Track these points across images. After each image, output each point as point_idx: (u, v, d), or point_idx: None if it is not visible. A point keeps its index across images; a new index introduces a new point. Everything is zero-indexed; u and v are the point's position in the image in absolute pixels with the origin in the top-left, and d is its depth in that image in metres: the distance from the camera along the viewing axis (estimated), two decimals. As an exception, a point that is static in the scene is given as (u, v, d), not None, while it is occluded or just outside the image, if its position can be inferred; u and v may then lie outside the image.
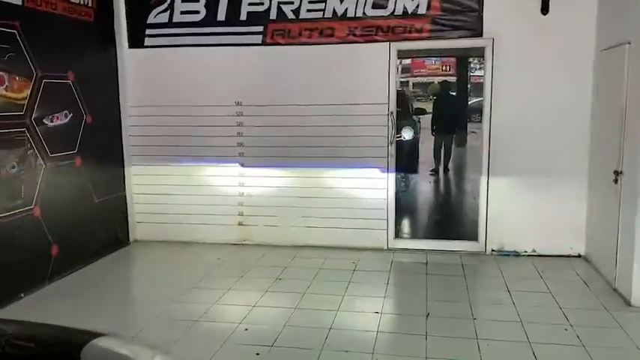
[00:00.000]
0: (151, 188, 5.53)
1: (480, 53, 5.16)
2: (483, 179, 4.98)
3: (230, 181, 5.38)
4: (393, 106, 5.02)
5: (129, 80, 5.40)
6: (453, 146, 9.40)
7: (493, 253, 4.98)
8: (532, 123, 4.80)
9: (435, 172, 9.14)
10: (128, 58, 5.38)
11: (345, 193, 5.18)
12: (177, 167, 5.45)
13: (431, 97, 11.56)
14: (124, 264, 5.06)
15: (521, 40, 4.75)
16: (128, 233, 5.48)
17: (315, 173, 5.21)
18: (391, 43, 4.95)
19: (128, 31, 5.35)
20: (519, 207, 4.89)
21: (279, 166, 5.28)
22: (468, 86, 15.80)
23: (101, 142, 5.06)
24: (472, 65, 16.42)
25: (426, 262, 4.78)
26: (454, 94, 11.58)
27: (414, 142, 7.66)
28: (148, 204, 5.55)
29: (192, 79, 5.34)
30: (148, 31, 5.33)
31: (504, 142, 4.85)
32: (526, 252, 4.94)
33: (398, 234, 5.25)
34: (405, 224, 6.08)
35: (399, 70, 4.91)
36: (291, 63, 5.13)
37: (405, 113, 7.07)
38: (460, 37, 4.87)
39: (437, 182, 8.89)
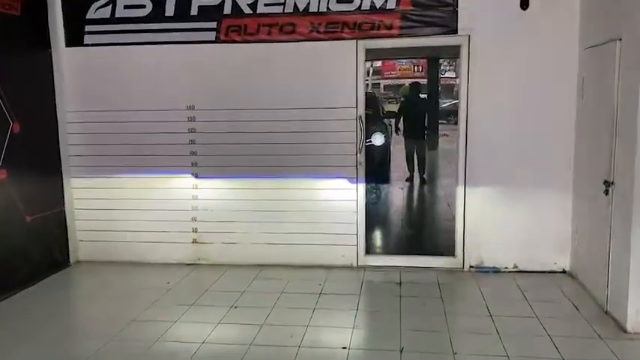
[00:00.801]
0: (94, 202, 4.94)
1: (454, 52, 4.77)
2: (459, 189, 4.56)
3: (182, 193, 4.83)
4: (361, 110, 4.56)
5: (67, 82, 4.81)
6: (426, 152, 8.80)
7: (472, 269, 4.56)
8: (512, 128, 4.40)
9: (409, 180, 8.57)
10: (65, 57, 4.79)
11: (310, 205, 4.69)
12: (123, 179, 4.88)
13: (402, 99, 11.13)
14: (58, 291, 4.42)
15: (500, 38, 4.34)
16: (68, 254, 4.88)
17: (278, 184, 4.70)
18: (358, 41, 4.48)
19: (65, 27, 4.75)
20: (499, 219, 4.48)
21: (237, 176, 4.75)
22: (439, 88, 15.54)
23: (33, 153, 4.47)
24: (442, 67, 16.14)
25: (400, 282, 4.32)
26: (425, 96, 11.19)
27: (386, 148, 7.22)
28: (91, 220, 4.95)
29: (138, 81, 4.77)
30: (88, 28, 4.74)
31: (482, 148, 4.44)
32: (507, 268, 4.53)
33: (369, 250, 4.78)
34: (377, 239, 5.64)
35: (370, 72, 4.47)
36: (249, 63, 4.62)
37: (375, 117, 6.63)
38: (433, 34, 4.43)
39: (410, 192, 8.34)
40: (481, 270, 4.55)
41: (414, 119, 8.67)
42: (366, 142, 4.63)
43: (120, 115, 4.81)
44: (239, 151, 4.70)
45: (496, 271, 4.53)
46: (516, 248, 4.52)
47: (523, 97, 4.38)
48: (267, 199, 4.76)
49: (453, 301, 4.09)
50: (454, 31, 4.40)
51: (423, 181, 8.53)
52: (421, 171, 8.61)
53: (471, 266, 4.57)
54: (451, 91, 20.50)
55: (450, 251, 4.67)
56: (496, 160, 4.45)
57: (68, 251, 4.88)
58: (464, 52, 4.42)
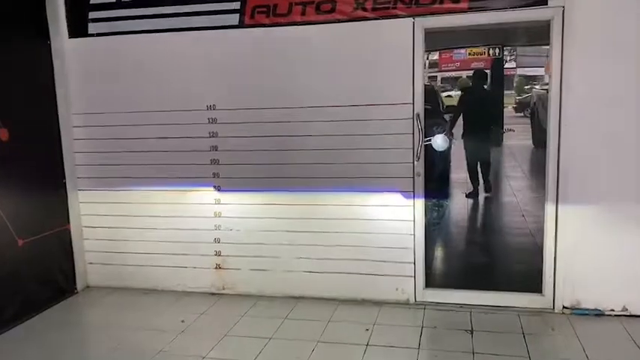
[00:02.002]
0: (104, 219, 4.22)
1: (539, 33, 3.77)
2: (549, 208, 3.52)
3: (203, 210, 4.04)
4: (420, 106, 3.61)
5: (71, 80, 4.11)
6: (490, 156, 7.14)
7: (566, 311, 3.52)
8: (622, 130, 3.34)
9: (473, 195, 6.81)
10: (68, 51, 4.09)
11: (356, 226, 3.78)
12: (137, 192, 4.12)
13: (461, 93, 9.75)
14: (56, 328, 3.66)
15: (606, 10, 3.30)
16: (75, 279, 4.23)
17: (315, 199, 3.82)
18: (416, 19, 3.53)
19: (67, 15, 4.08)
20: (603, 247, 3.42)
21: (267, 189, 3.90)
22: (504, 78, 14.26)
23: (27, 164, 3.79)
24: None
25: (472, 329, 3.34)
26: (487, 88, 9.76)
27: (446, 154, 6.04)
28: (102, 240, 4.25)
29: (150, 76, 4.00)
30: (92, 15, 4.02)
31: (580, 156, 3.40)
32: (613, 310, 3.46)
33: (430, 282, 3.81)
34: (439, 268, 4.55)
35: (425, 65, 3.50)
36: (279, 51, 3.76)
37: (435, 114, 5.45)
38: (513, 6, 3.47)
39: (476, 205, 6.87)
40: (578, 312, 3.51)
41: (477, 117, 6.82)
42: (425, 141, 3.68)
43: (132, 118, 4.09)
44: (269, 159, 3.86)
45: (599, 314, 3.47)
46: (626, 285, 3.44)
47: (638, 91, 3.35)
48: (303, 217, 3.90)
49: (545, 358, 3.12)
50: (542, 2, 3.42)
51: (488, 189, 6.91)
52: (486, 181, 6.92)
53: (564, 307, 3.54)
54: (511, 82, 19.30)
55: (535, 286, 3.63)
56: (598, 171, 3.39)
57: (74, 276, 4.22)
58: (556, 29, 3.37)
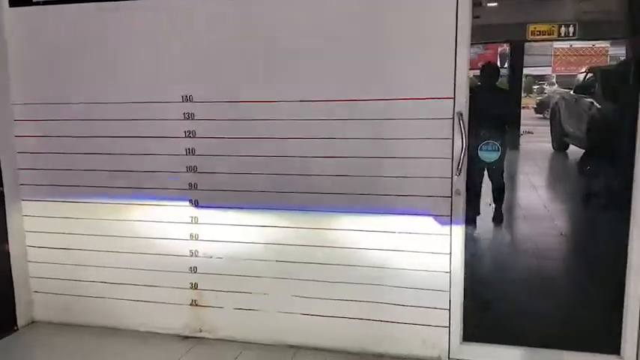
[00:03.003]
0: (55, 239, 3.33)
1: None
2: (636, 233, 2.73)
3: (176, 230, 3.14)
4: (462, 103, 2.70)
5: (12, 62, 3.21)
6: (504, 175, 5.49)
7: (655, 382, 2.71)
8: None
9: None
10: (8, 23, 3.18)
11: (373, 258, 2.87)
12: (95, 205, 3.29)
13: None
14: None
15: None
16: (15, 312, 3.35)
17: (321, 222, 2.92)
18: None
19: (6, -24, 3.24)
20: None
21: (258, 207, 3.01)
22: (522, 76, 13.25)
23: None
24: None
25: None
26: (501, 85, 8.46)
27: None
28: (51, 264, 3.35)
29: (113, 57, 3.11)
30: (38, -23, 3.23)
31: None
32: None
33: (468, 334, 2.88)
34: (480, 316, 3.31)
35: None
36: (275, 25, 2.86)
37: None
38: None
39: (511, 227, 5.47)
40: (673, 385, 2.66)
41: (490, 121, 5.39)
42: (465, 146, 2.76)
43: (91, 111, 3.22)
44: (261, 167, 2.96)
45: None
46: None
47: None
48: (303, 243, 3.00)
49: None
50: None
51: (498, 219, 5.16)
52: (498, 203, 5.23)
53: (653, 377, 2.71)
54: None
55: (610, 346, 2.73)
56: None
57: (14, 309, 3.34)
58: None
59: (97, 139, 3.19)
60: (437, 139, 2.70)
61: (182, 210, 3.13)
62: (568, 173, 8.85)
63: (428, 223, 2.77)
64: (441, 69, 2.65)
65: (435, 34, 2.64)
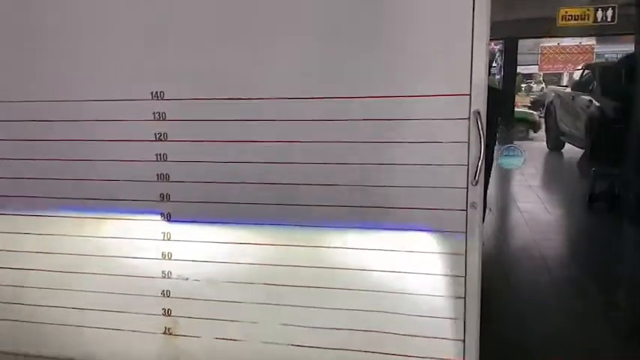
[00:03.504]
0: (1, 257, 2.99)
1: None
2: None
3: (146, 248, 2.69)
4: (480, 101, 2.30)
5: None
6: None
7: None
8: None
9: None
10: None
11: (374, 281, 2.45)
12: (49, 219, 2.89)
13: None
14: None
15: None
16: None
17: (313, 239, 2.49)
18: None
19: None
20: None
21: (241, 221, 2.58)
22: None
23: None
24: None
25: None
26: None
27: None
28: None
29: (67, 44, 2.64)
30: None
31: None
32: None
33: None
34: (498, 348, 2.86)
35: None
36: (268, 6, 2.49)
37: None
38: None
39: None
40: None
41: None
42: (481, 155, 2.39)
43: (40, 109, 2.78)
44: (244, 175, 2.54)
45: None
46: None
47: None
48: (293, 263, 2.58)
49: None
50: None
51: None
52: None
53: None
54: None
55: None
56: None
57: (-43, 340, 2.97)
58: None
59: (50, 144, 2.75)
60: (450, 143, 2.30)
61: (152, 225, 2.69)
62: (567, 174, 8.62)
63: (439, 240, 2.38)
64: (455, 65, 2.27)
65: (451, 25, 2.27)
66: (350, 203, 2.45)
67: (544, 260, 4.11)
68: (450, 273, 2.36)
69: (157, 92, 2.56)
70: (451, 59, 2.27)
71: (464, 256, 2.35)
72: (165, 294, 2.72)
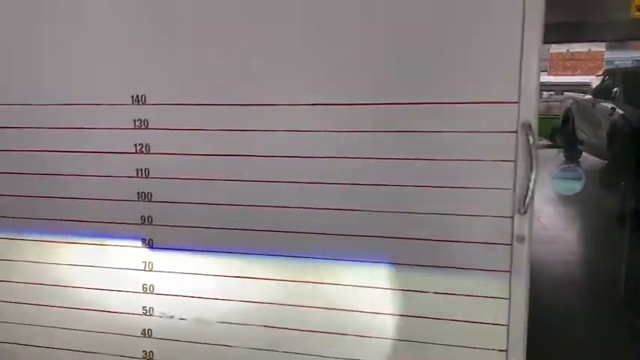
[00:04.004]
0: None
1: None
2: None
3: (124, 279, 2.26)
4: (531, 110, 1.87)
5: None
6: None
7: None
8: None
9: None
10: None
11: (397, 329, 2.01)
12: (12, 242, 2.52)
13: None
14: None
15: None
16: None
17: (321, 274, 2.05)
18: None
19: None
20: None
21: (234, 250, 2.15)
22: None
23: None
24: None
25: None
26: None
27: None
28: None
29: (35, 41, 2.23)
30: None
31: None
32: None
33: None
34: None
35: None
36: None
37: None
38: None
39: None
40: None
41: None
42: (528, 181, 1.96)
43: (4, 113, 2.42)
44: (239, 196, 2.11)
45: None
46: None
47: None
48: (300, 303, 2.14)
49: None
50: None
51: None
52: None
53: None
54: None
55: None
56: None
57: None
58: None
59: (16, 155, 2.36)
60: (492, 162, 1.90)
61: (131, 252, 2.27)
62: (588, 186, 8.14)
63: (476, 280, 1.98)
64: (500, 68, 1.83)
65: (497, 26, 1.85)
66: (367, 232, 2.03)
67: (583, 289, 3.62)
68: (489, 321, 1.94)
69: (137, 96, 2.17)
70: (494, 61, 1.86)
71: (507, 301, 1.93)
72: (147, 334, 2.30)
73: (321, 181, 2.03)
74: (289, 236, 2.07)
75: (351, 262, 2.04)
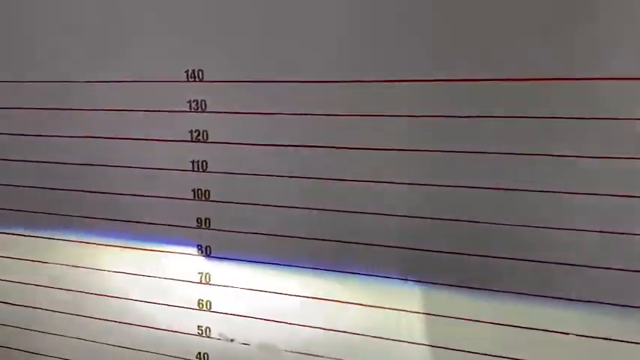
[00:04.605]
0: None
1: None
2: None
3: (175, 293, 1.98)
4: None
5: None
6: None
7: None
8: None
9: None
10: None
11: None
12: (50, 244, 2.21)
13: None
14: None
15: None
16: None
17: (428, 303, 1.76)
18: None
19: None
20: None
21: (317, 265, 1.85)
22: None
23: None
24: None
25: None
26: None
27: None
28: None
29: (80, 13, 2.00)
30: None
31: None
32: None
33: None
34: None
35: None
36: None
37: None
38: None
39: None
40: None
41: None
42: None
43: (44, 96, 2.07)
44: (323, 196, 1.74)
45: None
46: None
47: None
48: (392, 337, 1.77)
49: None
50: None
51: None
52: None
53: None
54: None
55: None
56: None
57: None
58: None
59: (50, 140, 2.01)
60: (620, 159, 1.45)
61: (185, 261, 1.94)
62: None
63: (628, 318, 1.54)
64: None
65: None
66: (472, 250, 1.60)
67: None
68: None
69: (192, 71, 1.77)
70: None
71: None
72: (202, 358, 1.97)
73: (415, 182, 1.60)
74: (392, 252, 1.65)
75: (472, 290, 1.62)
